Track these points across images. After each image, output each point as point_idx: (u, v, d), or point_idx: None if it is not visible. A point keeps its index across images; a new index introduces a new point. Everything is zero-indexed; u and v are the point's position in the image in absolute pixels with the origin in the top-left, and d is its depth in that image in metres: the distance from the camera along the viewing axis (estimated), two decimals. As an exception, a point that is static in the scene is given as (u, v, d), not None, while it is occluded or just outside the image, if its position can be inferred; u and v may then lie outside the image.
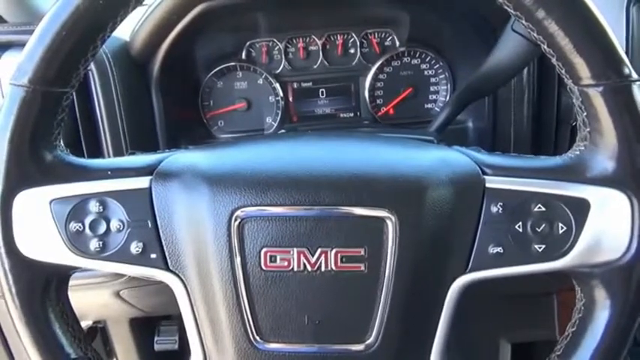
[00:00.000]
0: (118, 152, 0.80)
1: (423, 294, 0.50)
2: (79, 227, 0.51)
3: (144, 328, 1.09)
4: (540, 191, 0.49)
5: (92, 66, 0.77)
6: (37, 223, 0.51)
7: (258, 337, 0.51)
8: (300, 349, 0.51)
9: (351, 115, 0.98)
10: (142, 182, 0.52)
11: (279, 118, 0.96)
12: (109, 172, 0.53)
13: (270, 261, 0.50)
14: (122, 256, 0.51)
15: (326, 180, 0.50)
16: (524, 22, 0.47)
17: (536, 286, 0.90)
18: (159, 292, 0.87)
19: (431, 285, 0.50)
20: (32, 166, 0.50)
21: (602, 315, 0.49)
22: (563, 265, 0.49)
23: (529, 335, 1.10)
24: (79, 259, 0.52)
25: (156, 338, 1.07)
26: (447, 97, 0.95)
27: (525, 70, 0.82)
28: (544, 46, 0.47)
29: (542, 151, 0.85)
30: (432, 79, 0.96)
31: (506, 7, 0.47)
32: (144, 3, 0.61)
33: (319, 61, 0.95)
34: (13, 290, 0.51)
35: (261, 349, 0.51)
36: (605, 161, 0.48)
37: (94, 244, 0.51)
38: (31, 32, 0.49)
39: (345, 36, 0.94)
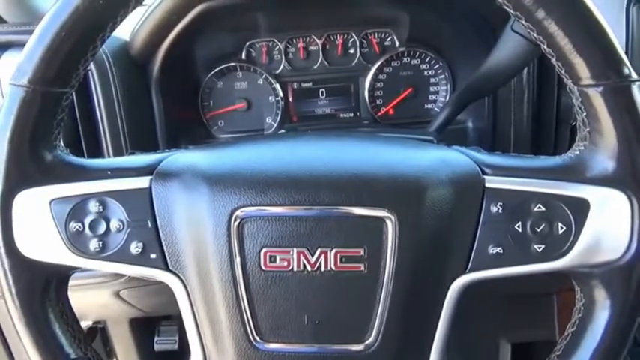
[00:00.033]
0: (117, 152, 0.80)
1: (422, 294, 0.50)
2: (79, 227, 0.51)
3: (144, 328, 1.09)
4: (540, 191, 0.49)
5: (92, 66, 0.77)
6: (37, 223, 0.51)
7: (257, 337, 0.51)
8: (300, 349, 0.51)
9: (351, 115, 0.98)
10: (142, 182, 0.52)
11: (279, 118, 0.96)
12: (109, 172, 0.53)
13: (270, 261, 0.50)
14: (122, 256, 0.51)
15: (326, 180, 0.50)
16: (523, 22, 0.47)
17: (536, 286, 0.90)
18: (159, 292, 0.87)
19: (430, 285, 0.50)
20: (32, 166, 0.50)
21: (601, 315, 0.49)
22: (563, 265, 0.49)
23: (529, 335, 1.10)
24: (79, 259, 0.52)
25: (156, 338, 1.07)
26: (447, 98, 0.95)
27: (525, 70, 0.82)
28: (544, 46, 0.47)
29: (541, 151, 0.85)
30: (432, 79, 0.96)
31: (505, 7, 0.47)
32: (144, 3, 0.61)
33: (319, 62, 0.95)
34: (13, 290, 0.51)
35: (260, 349, 0.51)
36: (604, 161, 0.48)
37: (93, 244, 0.51)
38: (31, 32, 0.49)
39: (345, 36, 0.94)
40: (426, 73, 0.95)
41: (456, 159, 0.53)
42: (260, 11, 0.90)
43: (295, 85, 0.96)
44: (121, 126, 0.80)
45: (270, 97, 0.96)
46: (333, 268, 0.49)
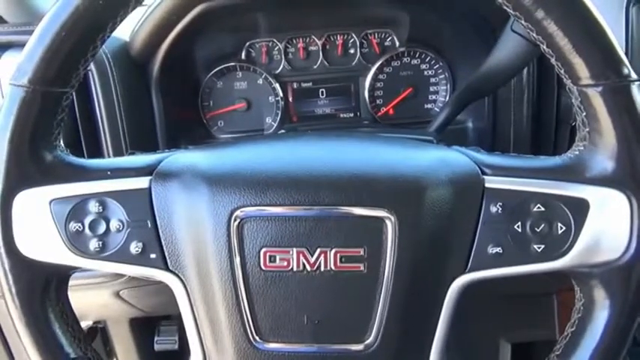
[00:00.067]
0: (117, 152, 0.80)
1: (422, 294, 0.50)
2: (79, 227, 0.51)
3: (144, 328, 1.09)
4: (539, 191, 0.49)
5: (92, 66, 0.77)
6: (37, 223, 0.51)
7: (257, 337, 0.51)
8: (300, 348, 0.51)
9: (351, 115, 0.98)
10: (142, 182, 0.52)
11: (278, 119, 0.96)
12: (109, 173, 0.53)
13: (270, 261, 0.50)
14: (122, 256, 0.51)
15: (325, 180, 0.50)
16: (523, 22, 0.47)
17: (536, 286, 0.90)
18: (159, 292, 0.87)
19: (430, 285, 0.50)
20: (32, 166, 0.50)
21: (601, 315, 0.49)
22: (563, 265, 0.49)
23: (529, 335, 1.10)
24: (79, 259, 0.52)
25: (156, 338, 1.07)
26: (447, 97, 0.95)
27: (525, 71, 0.82)
28: (543, 46, 0.47)
29: (541, 151, 0.85)
30: (432, 79, 0.96)
31: (505, 7, 0.47)
32: (143, 3, 0.61)
33: (319, 62, 0.95)
34: (13, 290, 0.51)
35: (260, 349, 0.51)
36: (604, 161, 0.48)
37: (93, 244, 0.51)
38: (31, 32, 0.49)
39: (345, 36, 0.95)
40: (426, 73, 0.95)
41: (455, 159, 0.53)
42: (260, 11, 0.90)
43: (295, 85, 0.96)
44: (120, 126, 0.80)
45: (270, 97, 0.96)
46: (333, 268, 0.49)
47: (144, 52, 0.84)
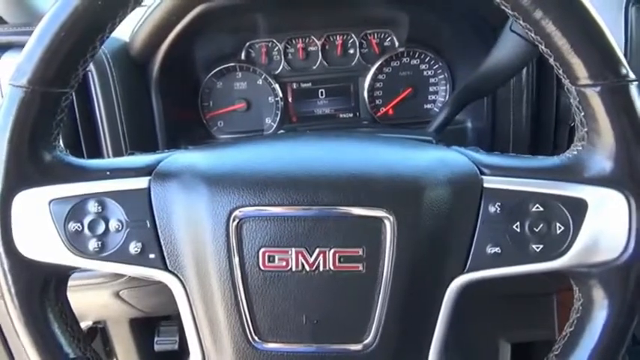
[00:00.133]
0: (117, 153, 0.80)
1: (420, 294, 0.50)
2: (78, 227, 0.51)
3: (144, 328, 1.09)
4: (538, 191, 0.49)
5: (92, 67, 0.77)
6: (36, 223, 0.51)
7: (256, 337, 0.51)
8: (299, 348, 0.51)
9: (351, 115, 0.98)
10: (141, 182, 0.52)
11: (278, 119, 0.96)
12: (108, 173, 0.53)
13: (269, 261, 0.50)
14: (121, 256, 0.51)
15: (324, 180, 0.50)
16: (521, 22, 0.47)
17: (535, 286, 0.90)
18: (158, 293, 0.87)
19: (429, 285, 0.50)
20: (31, 166, 0.50)
21: (600, 315, 0.49)
22: (561, 265, 0.49)
23: (528, 335, 1.10)
24: (78, 259, 0.52)
25: (156, 339, 1.07)
26: (447, 98, 0.95)
27: (524, 71, 0.83)
28: (542, 47, 0.47)
29: (540, 151, 0.85)
30: (432, 80, 0.96)
31: (503, 8, 0.47)
32: (143, 4, 0.62)
33: (318, 62, 0.95)
34: (12, 290, 0.51)
35: (259, 349, 0.51)
36: (602, 161, 0.48)
37: (92, 244, 0.51)
38: (30, 33, 0.49)
39: (345, 36, 0.95)
40: (425, 73, 0.95)
41: (454, 159, 0.53)
42: (259, 12, 0.90)
43: (295, 86, 0.96)
44: (120, 127, 0.80)
45: (269, 98, 0.96)
46: (332, 268, 0.49)
47: (143, 52, 0.85)
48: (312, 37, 0.94)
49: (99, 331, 1.10)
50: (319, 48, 0.95)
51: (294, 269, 0.50)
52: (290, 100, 0.97)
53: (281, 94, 0.95)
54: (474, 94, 0.81)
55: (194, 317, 0.52)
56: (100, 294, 0.88)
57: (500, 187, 0.50)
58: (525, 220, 0.49)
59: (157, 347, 1.06)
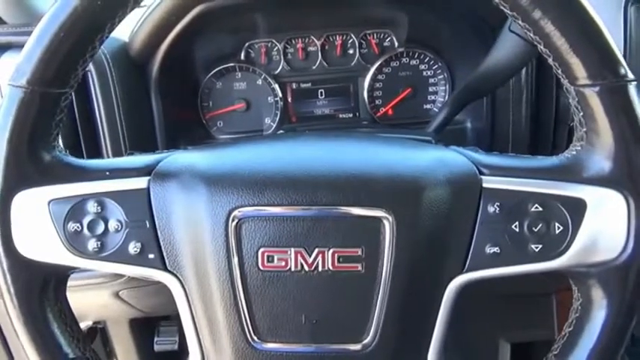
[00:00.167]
0: (117, 153, 0.80)
1: (420, 294, 0.50)
2: (77, 227, 0.51)
3: (144, 328, 1.09)
4: (537, 191, 0.49)
5: (91, 67, 0.77)
6: (36, 223, 0.51)
7: (255, 337, 0.51)
8: (298, 348, 0.51)
9: (350, 115, 0.98)
10: (140, 183, 0.52)
11: (278, 119, 0.96)
12: (107, 173, 0.53)
13: (268, 261, 0.50)
14: (120, 256, 0.52)
15: (323, 180, 0.50)
16: (520, 22, 0.47)
17: (535, 286, 0.90)
18: (158, 293, 0.87)
19: (428, 285, 0.50)
20: (31, 166, 0.50)
21: (599, 314, 0.49)
22: (560, 265, 0.49)
23: (528, 335, 1.10)
24: (77, 260, 0.52)
25: (156, 339, 1.07)
26: (446, 98, 0.95)
27: (524, 71, 0.83)
28: (540, 47, 0.47)
29: (540, 151, 0.85)
30: (431, 80, 0.96)
31: (502, 8, 0.47)
32: (142, 4, 0.62)
33: (318, 62, 0.95)
34: (12, 290, 0.51)
35: (258, 349, 0.51)
36: (601, 161, 0.48)
37: (92, 245, 0.51)
38: (30, 33, 0.49)
39: (344, 37, 0.95)
40: (424, 73, 0.96)
41: (453, 159, 0.53)
42: (259, 12, 0.90)
43: (294, 86, 0.96)
44: (120, 127, 0.80)
45: (269, 98, 0.96)
46: (331, 268, 0.49)
47: (143, 52, 0.85)
48: (312, 37, 0.94)
49: (99, 331, 1.10)
50: (319, 48, 0.95)
51: (293, 269, 0.50)
52: (289, 100, 0.97)
53: (280, 95, 0.95)
54: (474, 94, 0.81)
55: (193, 317, 0.52)
56: (100, 294, 0.88)
57: (499, 187, 0.50)
58: (524, 220, 0.49)
59: (156, 347, 1.06)
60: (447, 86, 0.95)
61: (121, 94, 0.80)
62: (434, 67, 0.95)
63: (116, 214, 0.52)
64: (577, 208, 0.49)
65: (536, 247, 0.49)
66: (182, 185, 0.52)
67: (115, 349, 1.11)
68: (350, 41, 0.95)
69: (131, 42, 0.84)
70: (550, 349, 0.53)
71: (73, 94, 0.52)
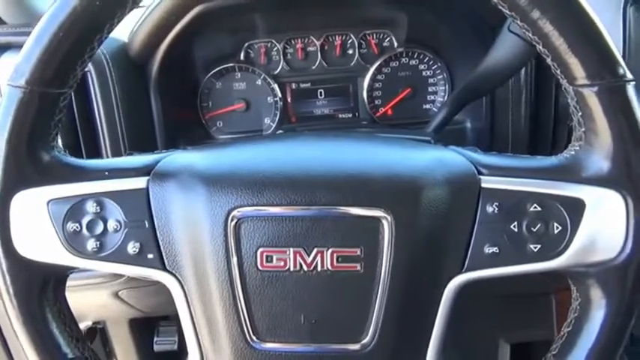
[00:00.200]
0: (116, 153, 0.80)
1: (418, 294, 0.50)
2: (77, 227, 0.51)
3: (143, 328, 1.09)
4: (536, 191, 0.49)
5: (90, 67, 0.77)
6: (35, 223, 0.51)
7: (254, 337, 0.51)
8: (297, 348, 0.51)
9: (350, 115, 0.98)
10: (139, 182, 0.52)
11: (277, 119, 0.96)
12: (106, 173, 0.53)
13: (267, 261, 0.50)
14: (119, 256, 0.52)
15: (322, 180, 0.50)
16: (519, 22, 0.47)
17: (534, 286, 0.90)
18: (158, 293, 0.87)
19: (427, 285, 0.50)
20: (30, 166, 0.51)
21: (597, 314, 0.49)
22: (559, 265, 0.49)
23: (528, 335, 1.10)
24: (76, 260, 0.52)
25: (155, 339, 1.07)
26: (446, 98, 0.95)
27: (523, 71, 0.83)
28: (539, 47, 0.48)
29: (539, 151, 0.85)
30: (430, 80, 0.96)
31: (501, 8, 0.48)
32: (141, 5, 0.61)
33: (317, 62, 0.95)
34: (11, 290, 0.51)
35: (257, 349, 0.51)
36: (600, 161, 0.48)
37: (91, 245, 0.51)
38: (29, 33, 0.49)
39: (344, 37, 0.95)
40: (424, 73, 0.96)
41: (452, 159, 0.53)
42: (258, 12, 0.90)
43: (294, 86, 0.96)
44: (119, 127, 0.80)
45: (268, 98, 0.96)
46: (330, 268, 0.49)
47: (143, 52, 0.85)
48: (311, 37, 0.94)
49: (98, 331, 1.10)
50: (318, 48, 0.95)
51: (292, 269, 0.50)
52: (289, 100, 0.97)
53: (280, 95, 0.95)
54: (473, 95, 0.81)
55: (192, 317, 0.52)
56: (99, 294, 0.88)
57: (498, 187, 0.50)
58: (523, 220, 0.49)
59: (156, 347, 1.06)
60: (447, 86, 0.95)
61: (120, 95, 0.80)
62: (433, 67, 0.95)
63: (115, 214, 0.52)
64: (576, 208, 0.49)
65: (535, 247, 0.49)
66: (181, 185, 0.52)
67: (114, 349, 1.11)
68: (349, 41, 0.95)
69: (130, 42, 0.84)
70: (549, 349, 0.53)
71: (72, 94, 0.52)
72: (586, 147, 0.49)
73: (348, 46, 0.95)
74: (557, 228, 0.49)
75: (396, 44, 0.94)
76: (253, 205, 0.50)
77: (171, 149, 0.59)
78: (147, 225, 0.51)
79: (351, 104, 0.97)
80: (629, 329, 0.49)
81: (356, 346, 0.50)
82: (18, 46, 0.78)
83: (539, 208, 0.49)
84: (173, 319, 1.07)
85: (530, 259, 0.49)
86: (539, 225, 0.49)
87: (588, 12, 0.45)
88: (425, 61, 0.95)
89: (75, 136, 0.79)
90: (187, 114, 0.95)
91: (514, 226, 0.49)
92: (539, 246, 0.49)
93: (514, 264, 0.50)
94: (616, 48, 0.46)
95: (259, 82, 0.95)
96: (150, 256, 0.51)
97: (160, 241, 0.51)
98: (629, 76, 0.46)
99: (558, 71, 0.48)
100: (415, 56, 0.95)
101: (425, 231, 0.50)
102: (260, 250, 0.50)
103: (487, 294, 0.83)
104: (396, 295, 0.49)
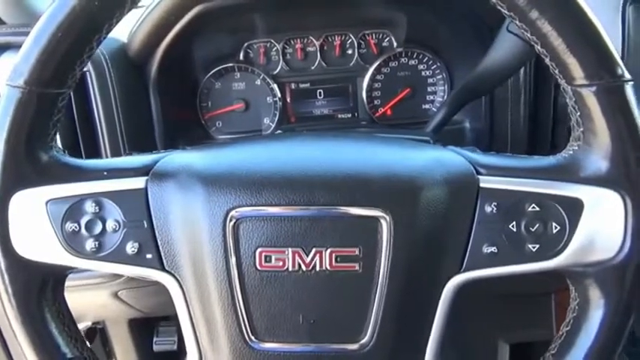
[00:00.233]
0: (115, 153, 0.80)
1: (417, 293, 0.50)
2: (75, 227, 0.51)
3: (143, 328, 1.09)
4: (534, 191, 0.49)
5: (90, 67, 0.77)
6: (33, 223, 0.51)
7: (253, 337, 0.51)
8: (295, 348, 0.51)
9: (349, 115, 0.98)
10: (138, 182, 0.52)
11: (276, 119, 0.96)
12: (105, 173, 0.53)
13: (265, 261, 0.50)
14: (118, 256, 0.52)
15: (321, 180, 0.50)
16: (517, 22, 0.47)
17: (533, 286, 0.90)
18: (157, 293, 0.87)
19: (425, 285, 0.50)
20: (28, 166, 0.51)
21: (596, 314, 0.49)
22: (557, 265, 0.49)
23: (527, 335, 1.10)
24: (75, 260, 0.52)
25: (155, 339, 1.07)
26: (445, 98, 0.95)
27: (522, 71, 0.83)
28: (538, 47, 0.48)
29: (538, 151, 0.85)
30: (430, 80, 0.96)
31: (499, 8, 0.48)
32: (140, 5, 0.61)
33: (317, 62, 0.95)
34: (10, 290, 0.51)
35: (256, 349, 0.51)
36: (598, 161, 0.48)
37: (89, 245, 0.51)
38: (28, 34, 0.49)
39: (343, 37, 0.95)
40: (423, 73, 0.96)
41: (450, 159, 0.53)
42: (258, 12, 0.90)
43: (293, 86, 0.96)
44: (118, 127, 0.80)
45: (268, 98, 0.96)
46: (328, 267, 0.49)
47: (142, 52, 0.85)
48: (311, 37, 0.94)
49: (98, 331, 1.10)
50: (317, 48, 0.95)
51: (290, 269, 0.50)
52: (288, 100, 0.97)
53: (279, 95, 0.95)
54: (472, 95, 0.81)
55: (191, 317, 0.52)
56: (99, 294, 0.88)
57: (497, 187, 0.50)
58: (521, 220, 0.49)
59: (155, 347, 1.07)
60: (446, 86, 0.95)
61: (119, 95, 0.80)
62: (432, 67, 0.95)
63: (114, 214, 0.52)
64: (574, 207, 0.49)
65: (534, 247, 0.49)
66: (179, 185, 0.52)
67: (114, 350, 1.11)
68: (349, 41, 0.95)
69: (130, 42, 0.84)
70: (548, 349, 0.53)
71: (71, 94, 0.53)
72: (584, 147, 0.49)
73: (348, 46, 0.95)
74: (556, 228, 0.49)
75: (395, 44, 0.94)
76: (252, 205, 0.50)
77: (170, 149, 0.59)
78: (145, 225, 0.51)
79: (350, 104, 0.97)
80: (628, 329, 0.49)
81: (355, 346, 0.51)
82: (17, 46, 0.78)
83: (537, 208, 0.49)
84: (173, 319, 1.07)
85: (528, 259, 0.49)
86: (537, 225, 0.49)
87: (587, 12, 0.45)
88: (424, 61, 0.95)
89: (74, 136, 0.79)
90: (186, 114, 0.95)
91: (512, 226, 0.49)
92: (537, 246, 0.49)
93: (512, 264, 0.50)
94: (615, 48, 0.46)
95: (258, 82, 0.96)
96: (148, 256, 0.51)
97: (158, 241, 0.51)
98: (628, 76, 0.46)
99: (557, 71, 0.48)
100: (414, 56, 0.95)
101: (423, 231, 0.50)
102: (259, 250, 0.50)
103: (486, 294, 0.83)
104: (395, 295, 0.49)
